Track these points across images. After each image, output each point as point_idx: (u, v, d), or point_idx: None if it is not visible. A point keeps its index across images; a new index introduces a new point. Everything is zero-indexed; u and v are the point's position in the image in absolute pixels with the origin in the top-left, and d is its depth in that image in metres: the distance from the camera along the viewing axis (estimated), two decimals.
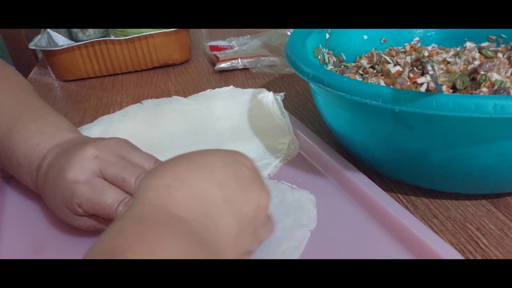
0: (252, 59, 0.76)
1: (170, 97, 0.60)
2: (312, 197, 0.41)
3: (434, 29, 0.58)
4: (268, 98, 0.53)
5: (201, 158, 0.29)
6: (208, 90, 0.59)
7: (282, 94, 0.54)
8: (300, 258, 0.35)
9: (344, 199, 0.41)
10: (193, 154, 0.30)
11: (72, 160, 0.34)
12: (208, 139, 0.52)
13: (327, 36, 0.52)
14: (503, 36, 0.54)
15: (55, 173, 0.35)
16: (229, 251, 0.27)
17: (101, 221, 0.36)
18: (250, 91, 0.57)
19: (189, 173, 0.28)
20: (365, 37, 0.56)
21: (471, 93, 0.39)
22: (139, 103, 0.59)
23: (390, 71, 0.45)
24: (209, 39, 0.93)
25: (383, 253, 0.35)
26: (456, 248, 0.36)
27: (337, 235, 0.37)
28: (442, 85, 0.41)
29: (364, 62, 0.52)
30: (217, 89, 0.59)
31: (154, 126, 0.54)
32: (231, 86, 0.59)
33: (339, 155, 0.44)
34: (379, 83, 0.44)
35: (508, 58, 0.44)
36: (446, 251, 0.32)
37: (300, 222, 0.38)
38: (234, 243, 0.28)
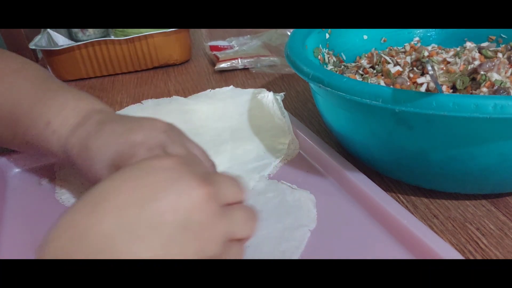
0: (252, 59, 0.76)
1: (170, 97, 0.60)
2: (312, 197, 0.41)
3: (434, 29, 0.58)
4: (268, 98, 0.53)
5: (99, 189, 0.26)
6: (208, 90, 0.59)
7: (282, 94, 0.54)
8: (300, 258, 0.35)
9: (344, 199, 0.41)
10: (96, 188, 0.26)
11: (144, 124, 0.35)
12: (208, 139, 0.52)
13: (327, 36, 0.52)
14: (503, 36, 0.54)
15: (114, 131, 0.35)
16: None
17: None
18: (250, 91, 0.57)
19: (78, 216, 0.25)
20: (365, 37, 0.56)
21: (471, 93, 0.40)
22: (139, 103, 0.59)
23: (390, 71, 0.45)
24: (209, 39, 0.93)
25: (383, 253, 0.35)
26: (456, 248, 0.36)
27: (337, 235, 0.37)
28: (442, 85, 0.41)
29: (364, 62, 0.52)
30: (217, 89, 0.59)
31: None
32: (231, 86, 0.59)
33: (339, 155, 0.44)
34: (379, 83, 0.44)
35: (508, 58, 0.44)
36: (446, 251, 0.32)
37: (300, 222, 0.38)
38: (166, 254, 0.24)
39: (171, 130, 0.36)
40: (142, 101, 0.59)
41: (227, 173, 0.31)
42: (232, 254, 0.28)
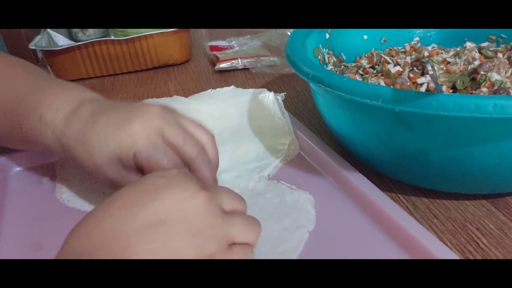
0: (252, 59, 0.76)
1: (170, 97, 0.60)
2: (311, 198, 0.41)
3: (434, 29, 0.58)
4: (269, 98, 0.53)
5: (113, 196, 0.28)
6: (209, 90, 0.59)
7: (282, 94, 0.54)
8: (298, 258, 0.35)
9: (343, 200, 0.41)
10: (111, 195, 0.29)
11: (139, 113, 0.36)
12: None
13: (327, 36, 0.52)
14: (503, 36, 0.54)
15: (111, 122, 0.36)
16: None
17: None
18: (250, 91, 0.57)
19: (91, 215, 0.28)
20: (365, 37, 0.56)
21: (471, 93, 0.40)
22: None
23: (390, 71, 0.45)
24: (209, 39, 0.93)
25: (381, 254, 0.35)
26: (456, 248, 0.36)
27: (335, 236, 0.37)
28: (442, 85, 0.41)
29: (364, 62, 0.52)
30: (218, 89, 0.59)
31: None
32: (232, 86, 0.59)
33: (339, 156, 0.44)
34: (379, 83, 0.44)
35: (508, 58, 0.44)
36: (443, 252, 0.32)
37: (298, 223, 0.38)
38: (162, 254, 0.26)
39: (166, 113, 0.37)
40: (142, 101, 0.59)
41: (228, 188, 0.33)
42: (236, 256, 0.28)
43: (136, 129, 0.35)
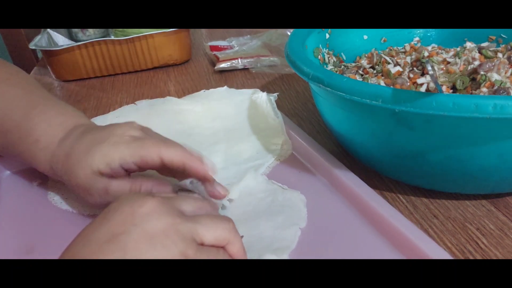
0: (252, 59, 0.76)
1: (164, 97, 0.60)
2: (303, 197, 0.41)
3: (434, 29, 0.58)
4: (262, 98, 0.53)
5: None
6: (203, 91, 0.59)
7: (275, 94, 0.53)
8: (290, 256, 0.35)
9: (335, 200, 0.41)
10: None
11: (119, 126, 0.39)
12: (202, 139, 0.52)
13: (327, 36, 0.52)
14: (503, 36, 0.54)
15: (95, 138, 0.38)
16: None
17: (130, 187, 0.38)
18: (244, 91, 0.56)
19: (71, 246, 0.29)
20: (365, 37, 0.56)
21: (471, 93, 0.40)
22: (133, 104, 0.59)
23: (390, 71, 0.45)
24: (209, 39, 0.93)
25: (372, 252, 0.35)
26: (456, 248, 0.36)
27: (327, 234, 0.37)
28: (442, 85, 0.41)
29: (364, 62, 0.52)
30: (211, 90, 0.59)
31: (148, 126, 0.54)
32: (225, 86, 0.59)
33: (332, 156, 0.44)
34: (379, 83, 0.44)
35: (508, 58, 0.44)
36: (434, 251, 0.32)
37: (290, 221, 0.38)
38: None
39: (146, 128, 0.40)
40: (136, 102, 0.59)
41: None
42: (208, 254, 0.29)
43: (117, 133, 0.38)
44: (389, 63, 0.48)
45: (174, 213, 0.29)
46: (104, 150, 0.36)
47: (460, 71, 0.42)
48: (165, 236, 0.27)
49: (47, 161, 0.40)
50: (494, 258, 0.35)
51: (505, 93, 0.37)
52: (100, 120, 0.55)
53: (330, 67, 0.51)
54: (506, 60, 0.43)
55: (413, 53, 0.49)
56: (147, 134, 0.40)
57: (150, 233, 0.27)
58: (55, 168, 0.39)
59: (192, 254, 0.28)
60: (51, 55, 0.74)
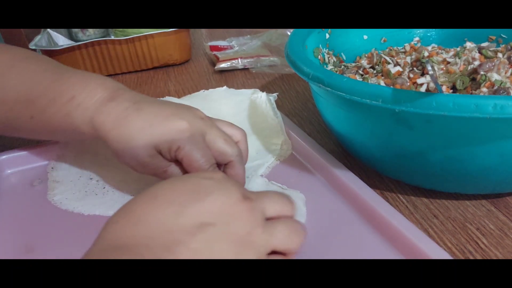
0: (252, 59, 0.76)
1: (163, 97, 0.60)
2: (302, 196, 0.41)
3: (434, 29, 0.58)
4: (261, 98, 0.53)
5: (155, 187, 0.30)
6: (202, 91, 0.59)
7: (275, 94, 0.53)
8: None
9: (335, 199, 0.41)
10: (153, 186, 0.30)
11: (185, 112, 0.38)
12: None
13: (327, 36, 0.52)
14: (503, 36, 0.54)
15: (157, 114, 0.37)
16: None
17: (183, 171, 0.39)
18: (243, 91, 0.56)
19: (136, 205, 0.28)
20: (365, 37, 0.56)
21: (471, 93, 0.40)
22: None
23: (390, 71, 0.45)
24: (209, 39, 0.93)
25: (371, 252, 0.35)
26: (456, 248, 0.36)
27: (327, 234, 0.37)
28: (442, 85, 0.41)
29: (364, 62, 0.52)
30: (210, 90, 0.58)
31: None
32: (225, 87, 0.58)
33: (332, 156, 0.44)
34: (379, 83, 0.44)
35: (508, 58, 0.44)
36: (434, 251, 0.32)
37: None
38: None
39: (206, 117, 0.40)
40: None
41: (272, 191, 0.34)
42: None
43: (183, 126, 0.37)
44: (389, 63, 0.48)
45: (257, 222, 0.29)
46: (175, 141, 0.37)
47: (460, 71, 0.43)
48: (242, 244, 0.27)
49: (86, 119, 0.38)
50: (494, 258, 0.35)
51: (505, 93, 0.37)
52: None
53: (330, 67, 0.51)
54: (506, 60, 0.43)
55: (413, 53, 0.49)
56: (207, 124, 0.39)
57: (234, 236, 0.27)
58: (99, 130, 0.38)
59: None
60: (51, 55, 0.74)
